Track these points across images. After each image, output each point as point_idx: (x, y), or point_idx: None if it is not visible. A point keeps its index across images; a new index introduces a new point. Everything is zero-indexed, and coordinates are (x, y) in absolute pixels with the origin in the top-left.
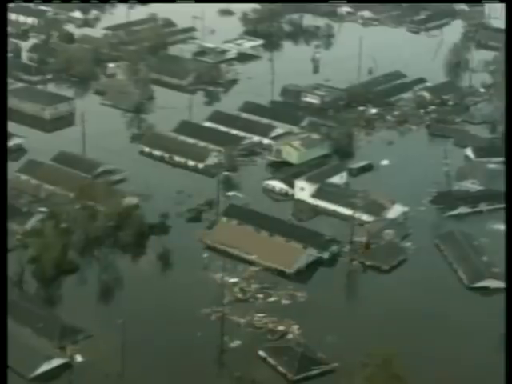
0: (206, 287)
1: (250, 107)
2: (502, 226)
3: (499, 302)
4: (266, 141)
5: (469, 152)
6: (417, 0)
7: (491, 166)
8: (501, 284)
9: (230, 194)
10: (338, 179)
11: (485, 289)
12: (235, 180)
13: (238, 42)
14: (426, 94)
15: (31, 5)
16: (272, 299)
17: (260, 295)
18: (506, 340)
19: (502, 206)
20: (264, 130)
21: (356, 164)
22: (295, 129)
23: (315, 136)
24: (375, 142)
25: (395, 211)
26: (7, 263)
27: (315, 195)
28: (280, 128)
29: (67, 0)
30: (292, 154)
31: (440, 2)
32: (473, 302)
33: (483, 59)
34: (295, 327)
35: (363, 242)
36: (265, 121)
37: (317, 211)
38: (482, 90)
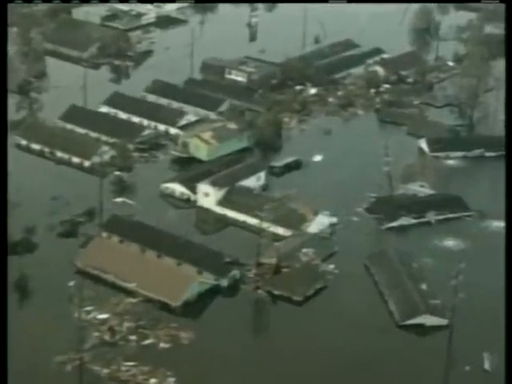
0: (67, 326)
1: (158, 87)
2: (452, 242)
3: (438, 343)
4: (173, 130)
5: (423, 144)
6: (417, 0)
7: (450, 162)
8: (440, 321)
9: (118, 200)
10: (254, 181)
11: (419, 327)
12: (128, 182)
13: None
14: (380, 69)
15: None
16: (148, 342)
17: (133, 337)
18: (506, 339)
19: (456, 215)
20: (172, 117)
21: (280, 161)
22: (212, 115)
23: (232, 125)
24: (310, 131)
25: (319, 223)
26: (7, 262)
27: (222, 202)
28: (193, 114)
29: (67, 0)
30: (201, 148)
31: (439, 2)
32: (405, 345)
33: (456, 24)
34: (171, 380)
35: (273, 265)
36: (175, 105)
37: (225, 222)
38: (451, 63)
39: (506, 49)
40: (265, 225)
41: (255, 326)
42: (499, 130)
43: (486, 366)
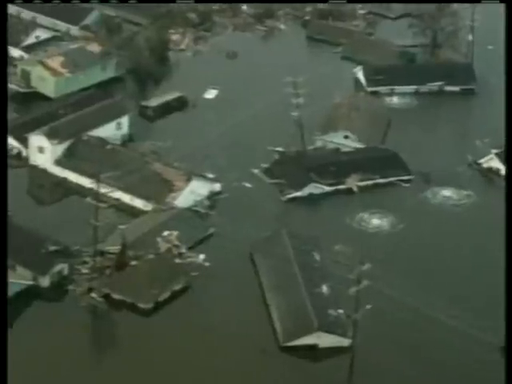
0: None
1: None
2: (379, 221)
3: (335, 372)
4: (15, 53)
5: (359, 74)
6: (414, 0)
7: (394, 100)
8: (340, 341)
9: None
10: (113, 130)
11: (311, 348)
12: None
13: None
14: None
15: None
16: None
17: None
18: (506, 340)
19: (389, 180)
20: (16, 33)
21: (158, 98)
22: (74, 30)
23: (95, 47)
24: (208, 54)
25: (193, 193)
26: (7, 262)
27: (62, 161)
28: (48, 29)
29: (67, 0)
30: (47, 80)
31: (438, 2)
32: (291, 374)
33: None
34: None
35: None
36: (25, 15)
37: (67, 189)
38: None
39: (506, 49)
40: (114, 194)
41: (88, 344)
42: (470, 53)
43: None
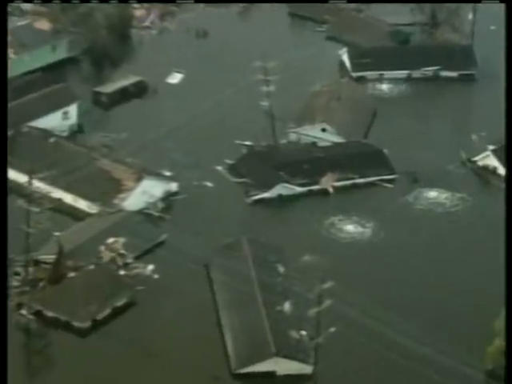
0: None
1: None
2: (355, 228)
3: None
4: None
5: (344, 57)
6: (419, 0)
7: (382, 87)
8: (300, 367)
9: None
10: (59, 119)
11: (268, 376)
12: None
13: None
14: None
15: None
16: None
17: None
18: (506, 340)
19: (371, 179)
20: None
21: (113, 84)
22: (28, 7)
23: (44, 24)
24: (176, 32)
25: (144, 194)
26: (7, 263)
27: None
28: None
29: (67, 0)
30: None
31: (440, 2)
32: None
33: None
34: None
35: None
36: None
37: None
38: None
39: (506, 49)
40: (55, 195)
41: (15, 369)
42: (470, 34)
43: None
